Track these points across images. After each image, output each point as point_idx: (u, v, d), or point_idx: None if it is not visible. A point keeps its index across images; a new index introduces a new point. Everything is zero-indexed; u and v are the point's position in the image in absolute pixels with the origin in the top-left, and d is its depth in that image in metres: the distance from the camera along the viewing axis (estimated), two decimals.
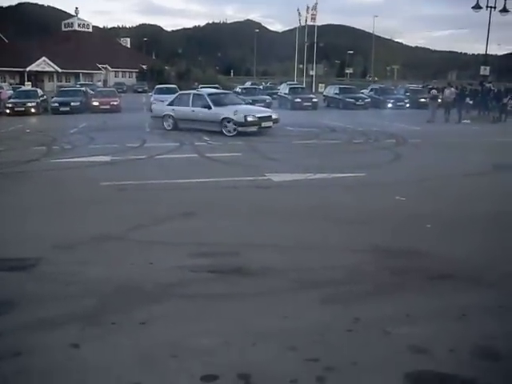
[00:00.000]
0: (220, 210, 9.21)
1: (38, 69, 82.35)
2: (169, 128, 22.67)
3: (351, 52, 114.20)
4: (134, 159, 14.97)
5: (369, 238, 7.52)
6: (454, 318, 5.12)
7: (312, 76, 74.42)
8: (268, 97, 39.66)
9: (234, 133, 20.38)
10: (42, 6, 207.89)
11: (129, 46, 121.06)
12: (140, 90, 71.63)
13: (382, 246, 7.17)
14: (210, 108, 21.31)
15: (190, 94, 23.25)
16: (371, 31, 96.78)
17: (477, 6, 36.83)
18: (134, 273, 6.24)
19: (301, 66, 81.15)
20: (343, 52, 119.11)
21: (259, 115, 21.11)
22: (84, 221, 8.51)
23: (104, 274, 6.19)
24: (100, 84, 79.86)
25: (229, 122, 20.60)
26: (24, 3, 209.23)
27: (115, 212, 9.07)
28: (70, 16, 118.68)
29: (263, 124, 21.02)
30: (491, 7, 37.00)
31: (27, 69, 79.36)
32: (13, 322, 5.03)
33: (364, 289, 5.79)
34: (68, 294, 5.64)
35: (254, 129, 20.59)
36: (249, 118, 20.57)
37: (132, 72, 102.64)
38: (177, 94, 24.73)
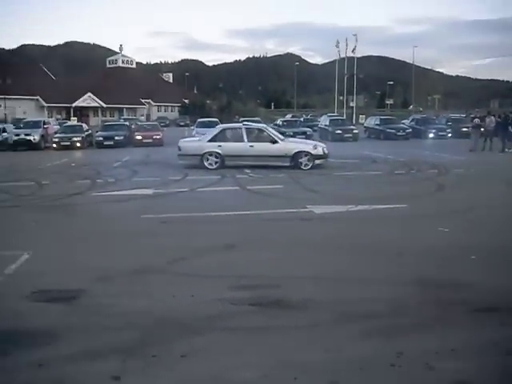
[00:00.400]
0: (260, 242, 9.20)
1: (84, 104, 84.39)
2: (212, 167, 20.50)
3: (391, 83, 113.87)
4: (176, 192, 15.11)
5: (411, 270, 7.40)
6: (499, 353, 4.97)
7: (352, 107, 74.47)
8: (309, 129, 39.87)
9: (310, 166, 19.99)
10: (88, 43, 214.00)
11: (171, 80, 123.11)
12: (182, 123, 72.61)
13: (426, 279, 7.04)
14: (275, 142, 20.59)
15: (240, 128, 21.57)
16: (411, 61, 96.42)
17: None
18: (175, 305, 6.25)
19: (341, 97, 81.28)
20: (383, 83, 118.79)
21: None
22: (125, 253, 8.59)
23: (145, 306, 6.21)
24: (143, 118, 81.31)
25: (306, 155, 20.24)
26: (71, 41, 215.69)
27: (156, 245, 9.12)
28: (115, 53, 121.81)
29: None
30: None
31: (73, 104, 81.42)
32: (55, 353, 5.08)
33: (407, 322, 5.68)
34: (109, 326, 5.68)
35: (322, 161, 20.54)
36: (326, 151, 20.66)
37: (174, 106, 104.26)
38: (219, 129, 22.38)
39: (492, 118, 30.42)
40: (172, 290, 6.74)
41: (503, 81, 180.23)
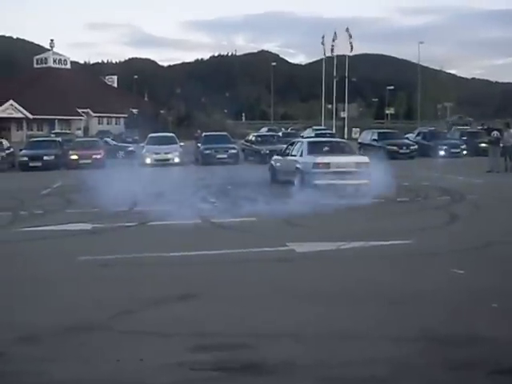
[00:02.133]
0: (228, 290, 9.20)
1: (4, 115, 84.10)
2: None
3: (392, 87, 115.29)
4: (121, 227, 15.09)
5: (418, 323, 7.45)
6: None
7: (344, 118, 75.17)
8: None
9: None
10: (10, 37, 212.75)
11: (115, 85, 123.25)
12: (130, 139, 72.65)
13: (435, 333, 7.09)
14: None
15: (298, 143, 24.91)
16: (416, 61, 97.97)
17: None
18: (120, 372, 6.20)
19: (329, 106, 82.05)
20: (382, 88, 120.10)
21: None
22: (56, 306, 8.52)
23: (80, 374, 6.15)
24: (80, 133, 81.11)
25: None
26: None
27: (96, 294, 9.06)
28: (44, 50, 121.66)
29: None
30: None
31: None
32: None
33: None
34: None
35: None
36: None
37: (119, 117, 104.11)
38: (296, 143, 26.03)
39: (511, 130, 30.69)
40: (115, 352, 6.69)
41: None
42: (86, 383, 5.91)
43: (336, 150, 23.09)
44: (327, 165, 20.74)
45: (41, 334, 7.28)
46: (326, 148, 23.20)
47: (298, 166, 21.94)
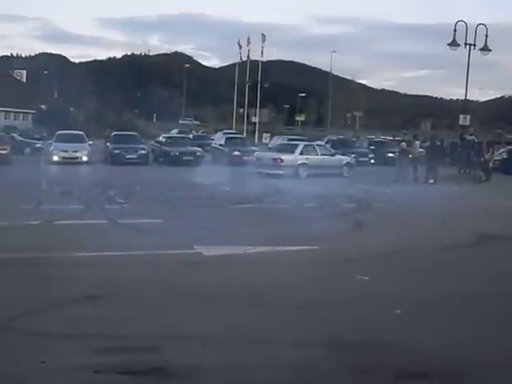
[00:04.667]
0: (134, 292, 9.11)
1: None
2: (304, 175, 30.36)
3: (303, 95, 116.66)
4: (26, 225, 14.73)
5: (323, 328, 7.54)
6: None
7: (255, 124, 75.49)
8: (199, 148, 39.79)
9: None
10: None
11: (24, 80, 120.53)
12: (37, 136, 71.18)
13: (340, 338, 7.20)
14: (333, 155, 33.16)
15: (313, 144, 35.13)
16: (328, 70, 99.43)
17: (454, 43, 38.38)
18: (19, 375, 6.06)
19: (241, 110, 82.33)
20: (294, 94, 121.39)
21: None
22: None
23: None
24: None
25: (347, 165, 32.78)
26: None
27: None
28: None
29: None
30: (470, 45, 38.67)
31: None
32: None
33: None
34: None
35: None
36: None
37: (27, 113, 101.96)
38: (304, 143, 35.77)
39: (417, 142, 32.94)
40: (15, 354, 6.52)
41: (437, 98, 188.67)
42: None
43: None
44: None
45: None
46: None
47: None
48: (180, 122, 77.47)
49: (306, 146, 33.60)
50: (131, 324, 7.58)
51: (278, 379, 6.03)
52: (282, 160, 30.74)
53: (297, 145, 33.79)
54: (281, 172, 30.07)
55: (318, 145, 35.24)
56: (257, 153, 35.58)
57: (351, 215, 17.45)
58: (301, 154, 31.72)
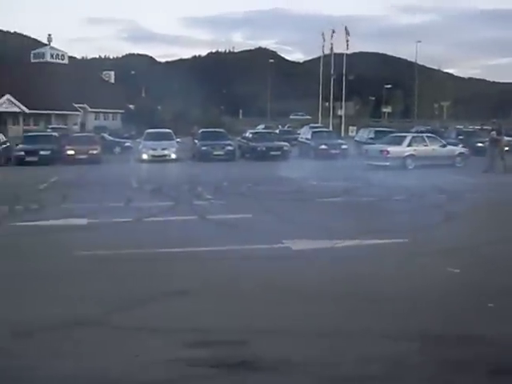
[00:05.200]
0: (223, 287, 9.19)
1: (1, 109, 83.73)
2: (411, 167, 30.36)
3: (389, 86, 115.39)
4: (117, 223, 15.04)
5: (414, 322, 7.46)
6: None
7: (340, 117, 75.12)
8: (285, 143, 39.84)
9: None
10: (8, 32, 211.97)
11: (113, 80, 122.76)
12: (126, 135, 72.60)
13: (431, 332, 7.09)
14: (445, 146, 33.06)
15: (423, 136, 34.93)
16: (414, 60, 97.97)
17: None
18: (115, 368, 6.20)
19: (326, 104, 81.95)
20: (379, 86, 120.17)
21: None
22: (52, 301, 8.51)
23: (74, 369, 6.15)
24: (76, 128, 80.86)
25: (460, 155, 32.87)
26: None
27: (91, 290, 9.05)
28: (42, 45, 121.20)
29: None
30: None
31: None
32: None
33: None
34: None
35: None
36: None
37: (116, 113, 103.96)
38: (412, 134, 36.00)
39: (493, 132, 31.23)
40: (111, 348, 6.69)
41: None
42: (81, 379, 5.90)
43: None
44: None
45: (37, 330, 7.26)
46: None
47: None
48: (291, 117, 77.08)
49: (414, 137, 33.60)
50: (221, 318, 7.66)
51: (366, 374, 5.99)
52: (388, 152, 30.88)
53: (404, 136, 33.68)
54: (387, 163, 30.18)
55: (428, 136, 34.76)
56: (365, 146, 35.76)
57: (442, 207, 17.14)
58: (408, 145, 31.76)
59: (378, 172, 28.12)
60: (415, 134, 35.59)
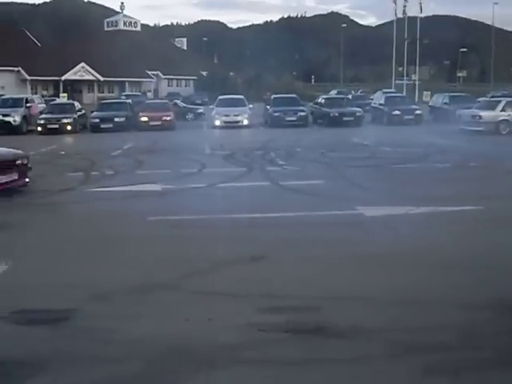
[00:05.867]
0: (296, 252, 9.21)
1: (76, 77, 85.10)
2: (504, 132, 29.67)
3: (464, 50, 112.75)
4: (191, 188, 15.19)
5: (489, 290, 7.34)
6: None
7: (414, 81, 73.92)
8: (358, 109, 39.42)
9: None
10: (81, 1, 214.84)
11: (185, 47, 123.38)
12: (199, 101, 73.00)
13: (507, 300, 6.99)
14: None
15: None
16: (490, 22, 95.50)
17: None
18: (189, 331, 6.30)
19: (400, 68, 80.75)
20: (454, 50, 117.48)
21: None
22: (127, 265, 8.68)
23: (151, 331, 6.27)
24: (150, 95, 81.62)
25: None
26: None
27: (166, 254, 9.19)
28: (115, 13, 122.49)
29: None
30: None
31: (63, 77, 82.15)
32: None
33: (481, 356, 5.65)
34: (107, 356, 5.76)
35: None
36: None
37: (189, 80, 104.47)
38: (507, 99, 33.42)
39: None
40: (185, 311, 6.79)
41: None
42: (156, 341, 6.00)
43: None
44: None
45: (113, 292, 7.44)
46: None
47: None
48: (396, 82, 75.79)
49: (508, 102, 32.18)
50: (294, 284, 7.68)
51: (440, 341, 5.94)
52: (480, 117, 30.44)
53: (498, 101, 32.83)
54: (480, 128, 29.81)
55: None
56: (459, 110, 34.53)
57: None
58: (502, 110, 30.89)
59: (461, 137, 27.64)
60: (509, 99, 34.41)
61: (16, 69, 79.18)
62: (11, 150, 15.60)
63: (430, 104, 45.37)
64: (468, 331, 6.17)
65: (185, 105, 50.25)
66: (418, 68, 76.21)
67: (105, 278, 8.06)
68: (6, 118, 35.26)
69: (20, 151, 15.62)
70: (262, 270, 8.39)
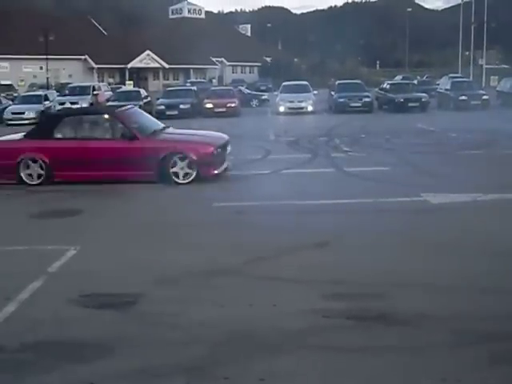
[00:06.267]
0: (361, 239, 9.18)
1: (141, 65, 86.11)
2: None
3: None
4: (255, 175, 15.24)
5: None
6: None
7: (482, 66, 72.59)
8: (424, 94, 38.89)
9: None
10: None
11: (249, 34, 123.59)
12: (263, 88, 72.98)
13: None
14: None
15: None
16: None
17: None
18: (253, 316, 6.35)
19: (467, 53, 79.36)
20: None
21: None
22: (192, 250, 8.77)
23: (216, 316, 6.35)
24: (215, 82, 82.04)
25: None
26: None
27: (230, 240, 9.27)
28: (179, 0, 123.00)
29: None
30: None
31: (129, 65, 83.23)
32: (107, 370, 5.28)
33: None
34: (172, 340, 5.84)
35: None
36: None
37: (253, 66, 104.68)
38: None
39: None
40: (249, 297, 6.84)
41: None
42: (220, 325, 6.06)
43: None
44: None
45: (178, 277, 7.55)
46: None
47: None
48: (485, 66, 74.36)
49: None
50: (358, 271, 7.66)
51: (506, 330, 5.86)
52: None
53: None
54: None
55: None
56: None
57: None
58: None
59: None
60: None
61: (83, 57, 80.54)
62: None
63: (498, 89, 44.50)
64: None
65: (249, 91, 50.35)
66: (485, 53, 74.77)
67: (170, 262, 8.17)
68: (74, 106, 35.86)
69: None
70: (327, 256, 8.38)
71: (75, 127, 15.17)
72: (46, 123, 16.81)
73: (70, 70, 76.62)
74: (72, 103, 36.10)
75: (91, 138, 14.92)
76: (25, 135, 15.41)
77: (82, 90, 38.57)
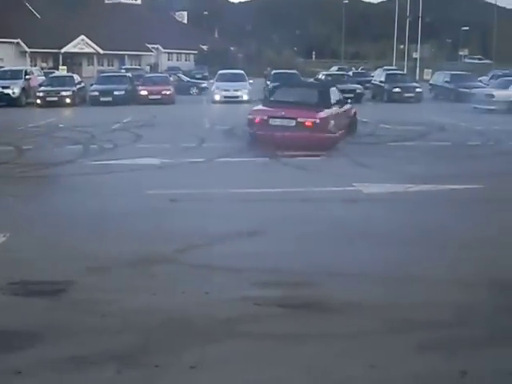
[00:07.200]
0: (293, 228, 9.22)
1: (75, 50, 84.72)
2: None
3: (466, 28, 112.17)
4: (189, 163, 15.18)
5: (485, 269, 7.37)
6: None
7: (416, 59, 73.69)
8: (359, 86, 39.27)
9: None
10: None
11: (185, 21, 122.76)
12: (199, 76, 72.65)
13: (504, 280, 7.01)
14: None
15: None
16: (493, 1, 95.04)
17: None
18: (185, 304, 6.33)
19: (401, 46, 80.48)
20: (456, 29, 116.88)
21: None
22: (125, 238, 8.69)
23: (147, 304, 6.31)
24: (147, 68, 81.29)
25: None
26: None
27: (163, 228, 9.23)
28: None
29: None
30: None
31: (62, 50, 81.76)
32: (36, 359, 5.19)
33: (476, 334, 5.69)
34: (103, 328, 5.78)
35: None
36: None
37: (189, 54, 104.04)
38: None
39: None
40: (181, 284, 6.82)
41: None
42: (152, 313, 6.04)
43: None
44: None
45: (110, 265, 7.47)
46: None
47: None
48: (466, 60, 74.83)
49: None
50: (290, 259, 7.70)
51: (437, 319, 5.97)
52: (493, 96, 30.38)
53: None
54: (493, 107, 29.57)
55: None
56: (474, 89, 34.68)
57: None
58: None
59: (476, 117, 27.49)
60: None
61: (15, 41, 78.70)
62: None
63: (431, 82, 45.26)
64: (463, 309, 6.20)
65: (188, 79, 50.14)
66: (419, 46, 75.86)
67: (102, 250, 8.07)
68: (5, 90, 35.14)
69: None
70: (259, 244, 8.41)
71: None
72: None
73: (2, 54, 74.79)
74: (3, 87, 35.30)
75: None
76: None
77: (14, 75, 37.66)
